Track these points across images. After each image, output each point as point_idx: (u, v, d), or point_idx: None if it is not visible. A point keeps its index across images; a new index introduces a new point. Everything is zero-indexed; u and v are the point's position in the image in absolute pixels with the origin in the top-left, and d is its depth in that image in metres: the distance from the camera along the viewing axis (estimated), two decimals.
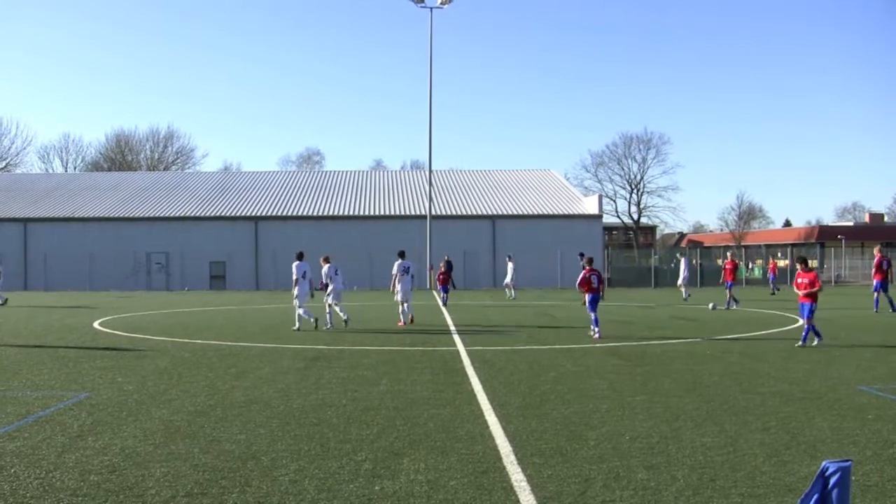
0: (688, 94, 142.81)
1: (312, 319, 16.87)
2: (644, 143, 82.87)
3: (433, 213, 43.84)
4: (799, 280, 13.28)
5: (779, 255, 79.96)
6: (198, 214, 47.05)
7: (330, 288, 17.64)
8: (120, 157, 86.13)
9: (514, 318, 20.32)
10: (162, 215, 46.95)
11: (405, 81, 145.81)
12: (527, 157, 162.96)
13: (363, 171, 63.86)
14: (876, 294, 21.94)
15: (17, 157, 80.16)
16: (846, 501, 3.68)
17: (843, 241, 64.29)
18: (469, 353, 12.51)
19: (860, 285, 46.90)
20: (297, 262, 17.36)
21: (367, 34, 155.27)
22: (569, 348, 13.28)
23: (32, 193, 51.88)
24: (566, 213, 47.37)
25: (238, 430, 7.05)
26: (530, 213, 47.48)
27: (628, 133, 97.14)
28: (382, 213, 47.54)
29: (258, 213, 47.30)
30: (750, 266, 55.25)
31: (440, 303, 24.92)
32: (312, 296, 17.70)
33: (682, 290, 28.69)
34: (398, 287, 18.29)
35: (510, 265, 31.29)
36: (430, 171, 45.79)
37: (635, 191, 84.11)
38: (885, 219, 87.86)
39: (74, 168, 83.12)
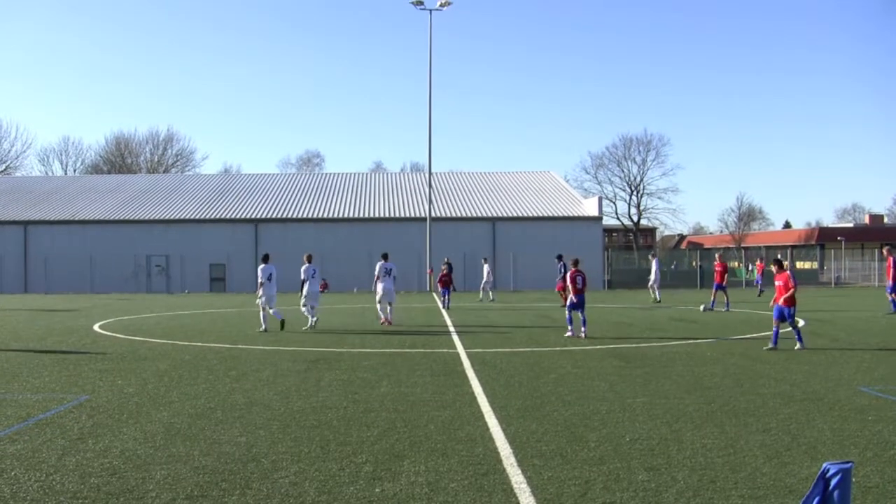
0: (687, 96, 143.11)
1: (280, 318, 17.05)
2: (644, 144, 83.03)
3: (433, 215, 43.84)
4: (777, 283, 13.21)
5: (778, 256, 79.95)
6: (198, 217, 47.07)
7: (306, 288, 17.75)
8: (120, 159, 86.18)
9: (515, 320, 20.32)
10: (162, 218, 46.96)
11: (405, 83, 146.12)
12: (527, 159, 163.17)
13: (363, 174, 63.94)
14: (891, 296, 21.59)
15: (17, 159, 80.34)
16: (847, 503, 3.68)
17: (843, 242, 64.31)
18: (469, 355, 12.51)
19: (860, 287, 46.91)
20: (262, 265, 17.53)
21: (367, 36, 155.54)
22: (569, 350, 13.27)
23: (32, 196, 51.89)
24: (566, 214, 47.36)
25: (238, 433, 7.05)
26: (530, 215, 47.48)
27: (628, 135, 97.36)
28: (382, 215, 47.55)
29: (258, 216, 47.31)
30: (749, 268, 55.27)
31: (441, 305, 24.89)
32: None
33: (655, 291, 28.71)
34: (379, 287, 18.69)
35: (486, 267, 30.91)
36: (430, 172, 45.80)
37: (635, 192, 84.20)
38: (885, 220, 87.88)
39: (74, 171, 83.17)
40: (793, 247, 73.61)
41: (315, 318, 17.62)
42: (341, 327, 18.31)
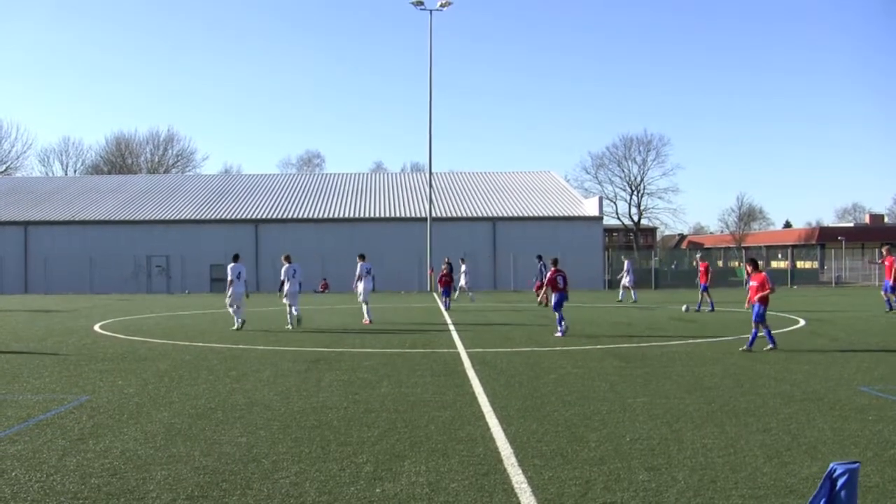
0: (687, 96, 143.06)
1: (239, 322, 17.42)
2: (644, 144, 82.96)
3: (433, 215, 43.86)
4: (752, 283, 13.12)
5: (779, 256, 79.97)
6: (198, 217, 47.09)
7: (286, 288, 18.01)
8: (120, 160, 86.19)
9: (515, 320, 20.32)
10: (162, 218, 46.99)
11: (405, 83, 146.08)
12: (527, 159, 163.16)
13: (363, 174, 63.95)
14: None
15: (18, 160, 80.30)
16: (854, 503, 3.67)
17: (844, 242, 64.29)
18: (469, 355, 12.51)
19: (860, 286, 46.91)
20: (232, 264, 17.90)
21: (367, 37, 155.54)
22: (569, 350, 13.27)
23: (33, 196, 51.91)
24: (566, 214, 47.38)
25: (239, 433, 7.05)
26: (530, 214, 47.49)
27: (628, 135, 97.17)
28: (383, 215, 47.56)
29: (258, 216, 47.33)
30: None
31: (441, 306, 24.88)
32: (248, 295, 18.32)
33: (631, 292, 28.73)
34: (361, 287, 19.12)
35: (462, 268, 30.60)
36: (431, 172, 45.81)
37: (635, 192, 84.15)
38: (886, 220, 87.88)
39: (75, 171, 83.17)
40: (793, 246, 73.56)
41: (295, 316, 17.91)
42: (341, 327, 18.32)
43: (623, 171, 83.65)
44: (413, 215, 46.90)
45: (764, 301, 12.79)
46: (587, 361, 11.76)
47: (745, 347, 12.84)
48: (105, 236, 45.86)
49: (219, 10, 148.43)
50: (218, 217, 47.17)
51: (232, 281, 17.58)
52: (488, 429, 7.17)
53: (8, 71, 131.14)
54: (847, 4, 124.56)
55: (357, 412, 7.99)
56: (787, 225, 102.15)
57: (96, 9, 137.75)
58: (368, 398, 8.76)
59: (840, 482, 3.66)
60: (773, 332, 13.25)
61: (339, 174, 61.20)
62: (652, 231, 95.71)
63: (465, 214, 47.65)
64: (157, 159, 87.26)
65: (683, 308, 23.34)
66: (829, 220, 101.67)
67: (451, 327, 18.10)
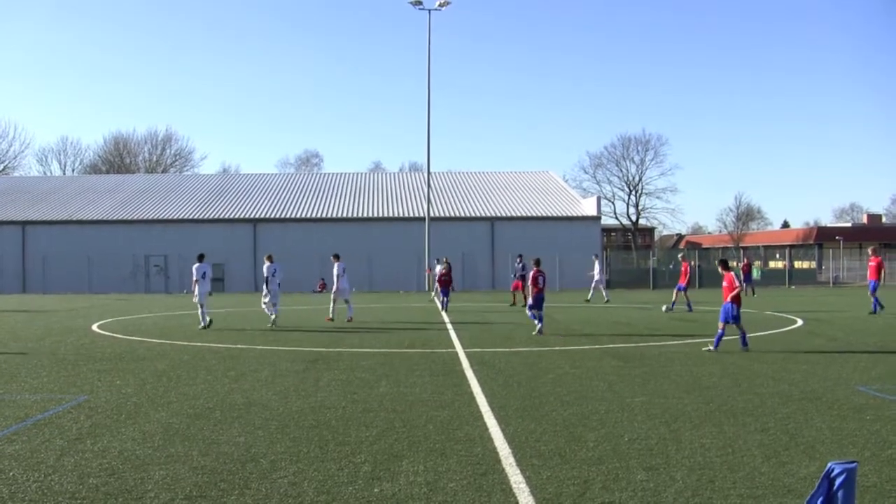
0: (686, 96, 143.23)
1: (207, 321, 17.63)
2: (642, 144, 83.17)
3: (432, 214, 43.83)
4: (724, 283, 13.11)
5: (777, 256, 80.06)
6: (196, 217, 47.02)
7: (266, 288, 18.36)
8: (118, 159, 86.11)
9: (513, 320, 20.32)
10: (160, 218, 46.92)
11: (403, 83, 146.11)
12: (525, 159, 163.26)
13: (362, 173, 63.91)
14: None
15: (16, 160, 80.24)
16: (851, 503, 3.68)
17: (842, 242, 64.37)
18: (468, 355, 12.51)
19: (858, 286, 46.95)
20: (197, 264, 18.25)
21: (366, 36, 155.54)
22: (567, 350, 13.28)
23: (31, 196, 51.83)
24: (565, 214, 47.37)
25: (237, 433, 7.05)
26: (529, 214, 47.48)
27: (626, 134, 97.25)
28: (381, 215, 47.53)
29: (257, 216, 47.28)
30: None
31: (440, 306, 24.87)
32: (210, 294, 18.64)
33: (602, 291, 28.81)
34: (341, 286, 20.04)
35: (438, 268, 30.29)
36: (429, 172, 45.72)
37: (634, 192, 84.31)
38: (883, 220, 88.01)
39: (72, 171, 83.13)
40: (791, 246, 73.62)
41: (275, 315, 18.18)
42: (340, 327, 18.31)
43: (621, 171, 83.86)
44: (411, 215, 46.85)
45: (736, 300, 12.79)
46: (585, 361, 11.76)
47: (709, 348, 12.82)
48: (103, 236, 45.78)
49: (217, 10, 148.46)
50: (216, 217, 47.10)
51: (197, 280, 17.85)
52: (486, 428, 7.17)
53: (8, 70, 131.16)
54: (847, 4, 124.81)
55: (355, 412, 7.99)
56: (785, 225, 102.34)
57: (96, 9, 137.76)
58: (367, 398, 8.76)
59: (838, 482, 3.66)
60: (770, 332, 13.24)
61: (337, 174, 61.15)
62: (650, 231, 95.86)
63: (463, 214, 47.63)
64: (155, 159, 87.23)
65: (664, 308, 23.33)
66: (827, 220, 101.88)
67: (450, 327, 18.10)
